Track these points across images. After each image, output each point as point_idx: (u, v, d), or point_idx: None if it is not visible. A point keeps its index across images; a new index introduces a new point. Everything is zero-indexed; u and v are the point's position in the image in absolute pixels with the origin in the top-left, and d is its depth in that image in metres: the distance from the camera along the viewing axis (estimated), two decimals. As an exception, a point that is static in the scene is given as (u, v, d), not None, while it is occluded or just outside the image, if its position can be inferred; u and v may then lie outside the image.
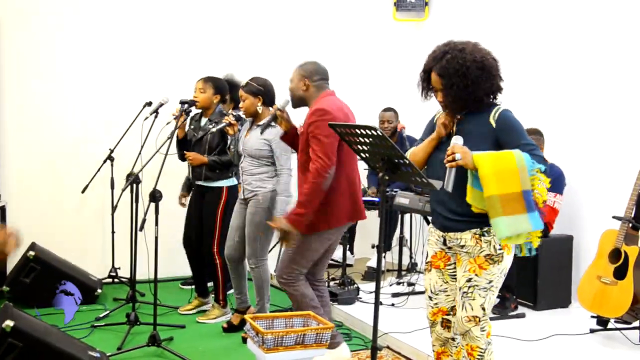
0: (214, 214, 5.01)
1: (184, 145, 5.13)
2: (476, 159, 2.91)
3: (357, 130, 3.10)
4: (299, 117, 4.23)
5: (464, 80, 3.00)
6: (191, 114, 5.11)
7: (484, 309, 3.07)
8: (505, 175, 2.89)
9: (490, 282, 3.06)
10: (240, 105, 4.68)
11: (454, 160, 2.92)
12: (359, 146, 3.16)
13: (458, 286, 3.12)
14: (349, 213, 3.99)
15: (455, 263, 3.19)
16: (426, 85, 3.18)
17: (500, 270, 3.08)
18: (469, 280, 3.06)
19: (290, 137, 4.16)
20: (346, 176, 3.95)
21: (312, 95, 4.01)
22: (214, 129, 4.86)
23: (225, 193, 5.00)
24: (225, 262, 4.99)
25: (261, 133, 4.45)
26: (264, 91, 4.63)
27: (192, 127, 5.18)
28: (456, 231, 3.10)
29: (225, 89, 5.16)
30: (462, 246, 3.09)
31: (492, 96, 3.09)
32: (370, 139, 3.04)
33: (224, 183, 5.01)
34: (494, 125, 3.03)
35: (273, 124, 4.49)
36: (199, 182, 5.09)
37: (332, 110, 3.87)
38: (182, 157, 5.16)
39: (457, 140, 3.00)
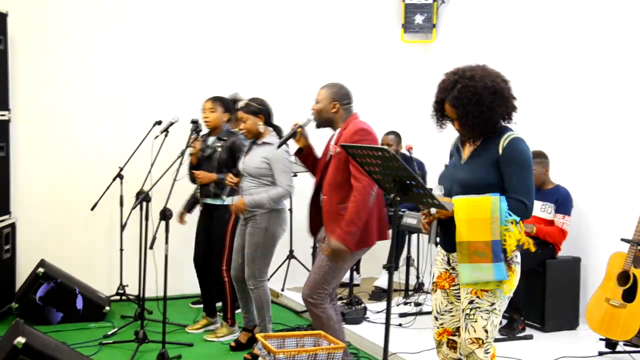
0: (223, 232, 5.03)
1: (197, 170, 5.15)
2: (454, 203, 2.97)
3: (369, 152, 3.14)
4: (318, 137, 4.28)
5: (479, 107, 2.99)
6: (201, 133, 5.12)
7: (486, 331, 3.06)
8: (477, 223, 2.94)
9: (493, 304, 3.04)
10: (242, 126, 4.69)
11: (430, 214, 3.03)
12: (371, 167, 3.19)
13: (461, 308, 3.12)
14: (377, 233, 4.02)
15: (459, 284, 3.19)
16: (440, 115, 3.18)
17: (503, 294, 3.08)
18: (471, 302, 3.05)
19: (305, 155, 4.20)
20: (377, 196, 3.96)
21: (340, 118, 4.04)
22: (217, 142, 4.91)
23: None
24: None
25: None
26: (264, 110, 4.68)
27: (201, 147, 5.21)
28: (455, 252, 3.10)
29: (232, 108, 5.21)
30: None
31: (508, 118, 3.09)
32: (382, 160, 3.07)
33: (232, 201, 5.01)
34: (500, 152, 3.02)
35: (269, 141, 4.57)
36: (207, 201, 5.12)
37: (371, 130, 3.95)
38: (193, 180, 5.18)
39: (435, 191, 3.05)
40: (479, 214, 2.93)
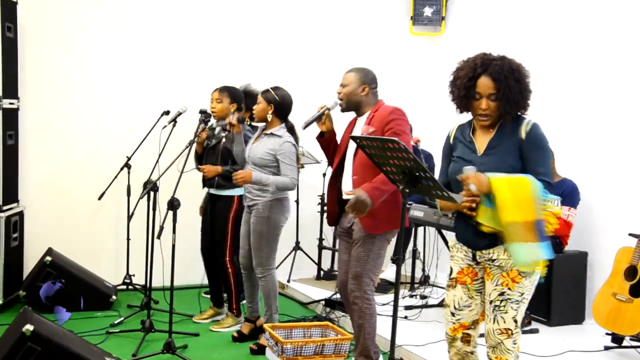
0: (225, 222, 5.05)
1: (202, 159, 5.17)
2: (493, 182, 2.91)
3: (380, 143, 3.13)
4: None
5: (518, 84, 3.02)
6: (209, 124, 5.10)
7: (516, 321, 3.06)
8: (524, 203, 2.91)
9: (522, 294, 3.05)
10: (254, 107, 4.73)
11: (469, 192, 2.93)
12: (381, 159, 3.18)
13: (489, 299, 3.10)
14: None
15: (482, 277, 3.17)
16: (470, 94, 3.07)
17: (532, 283, 3.07)
18: (502, 294, 3.04)
19: (327, 140, 4.18)
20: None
21: (369, 101, 4.06)
22: (222, 132, 4.89)
23: (237, 202, 5.02)
24: (237, 270, 5.03)
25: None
26: (278, 101, 4.67)
27: (208, 136, 5.21)
28: (488, 248, 3.08)
29: (240, 98, 5.21)
30: (493, 260, 3.07)
31: (527, 107, 3.10)
32: (392, 152, 3.06)
33: (235, 192, 5.02)
34: (523, 136, 3.03)
35: (277, 133, 4.58)
36: (211, 191, 5.14)
37: (404, 111, 3.97)
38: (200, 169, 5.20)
39: (469, 169, 3.00)
40: (522, 192, 2.91)
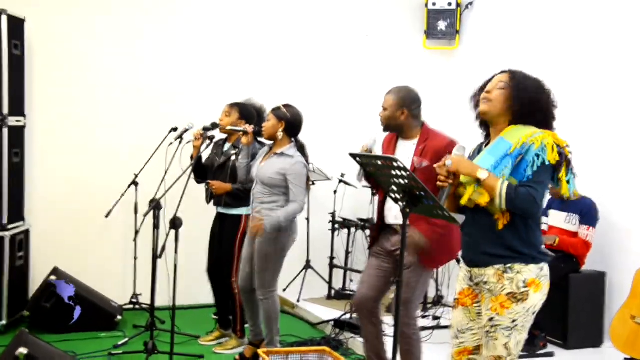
0: (232, 242, 4.93)
1: (198, 167, 5.08)
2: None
3: (380, 162, 3.02)
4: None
5: (531, 81, 3.03)
6: (215, 139, 5.01)
7: (507, 348, 2.94)
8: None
9: (514, 321, 2.92)
10: (263, 124, 4.64)
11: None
12: (381, 177, 3.08)
13: (482, 324, 3.00)
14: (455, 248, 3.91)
15: (480, 301, 3.06)
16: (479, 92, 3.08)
17: (526, 309, 2.94)
18: (491, 319, 2.95)
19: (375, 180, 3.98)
20: None
21: (410, 124, 3.90)
22: (231, 150, 4.80)
23: (244, 221, 4.89)
24: None
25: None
26: (289, 119, 4.55)
27: (214, 152, 5.13)
28: (480, 266, 2.99)
29: (252, 115, 5.10)
30: (485, 282, 2.98)
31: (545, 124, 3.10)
32: (391, 170, 2.95)
33: (243, 211, 4.91)
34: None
35: (288, 153, 4.48)
36: (219, 210, 5.04)
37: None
38: (198, 180, 5.12)
39: (459, 152, 2.98)
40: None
